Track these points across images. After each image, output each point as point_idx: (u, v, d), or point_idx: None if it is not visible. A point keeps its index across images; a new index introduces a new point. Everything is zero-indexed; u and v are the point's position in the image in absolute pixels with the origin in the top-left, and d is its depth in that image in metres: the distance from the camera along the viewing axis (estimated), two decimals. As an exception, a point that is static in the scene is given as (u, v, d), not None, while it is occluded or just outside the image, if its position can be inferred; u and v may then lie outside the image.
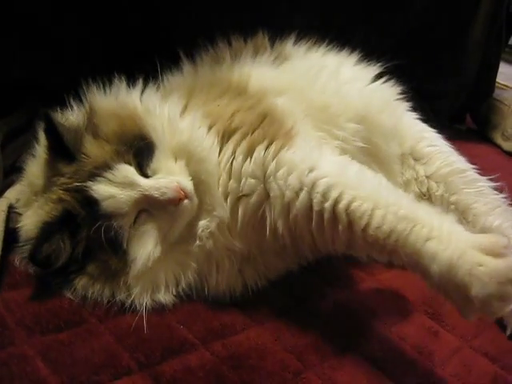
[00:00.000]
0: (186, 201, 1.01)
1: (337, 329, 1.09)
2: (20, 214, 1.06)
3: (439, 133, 1.45)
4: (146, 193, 0.98)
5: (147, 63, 1.18)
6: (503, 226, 1.26)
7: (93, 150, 1.01)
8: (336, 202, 0.97)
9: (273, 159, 1.03)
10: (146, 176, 1.01)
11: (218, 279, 1.08)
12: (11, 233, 1.07)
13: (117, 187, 0.98)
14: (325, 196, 0.98)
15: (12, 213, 1.12)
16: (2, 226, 1.09)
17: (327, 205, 0.98)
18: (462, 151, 1.43)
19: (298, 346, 1.03)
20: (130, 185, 0.98)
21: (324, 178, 1.00)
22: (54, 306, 1.00)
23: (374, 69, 1.43)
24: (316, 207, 0.99)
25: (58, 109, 1.09)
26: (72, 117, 1.09)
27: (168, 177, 1.01)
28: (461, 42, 2.05)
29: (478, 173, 1.38)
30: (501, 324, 1.17)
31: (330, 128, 1.23)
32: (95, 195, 0.97)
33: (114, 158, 1.00)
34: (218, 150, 1.07)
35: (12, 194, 1.16)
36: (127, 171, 0.99)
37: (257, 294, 1.12)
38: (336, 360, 1.01)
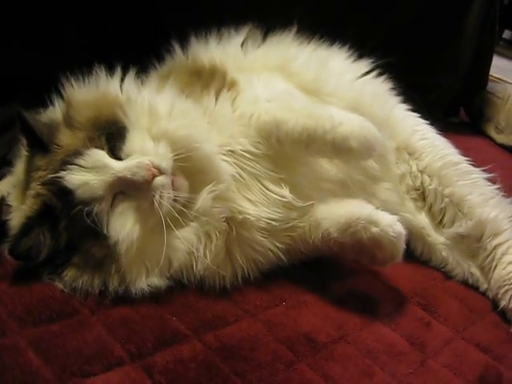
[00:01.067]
0: (159, 177, 1.00)
1: (329, 320, 1.09)
2: (11, 206, 1.07)
3: (432, 125, 1.44)
4: (120, 174, 0.98)
5: (140, 53, 1.19)
6: (499, 217, 1.27)
7: (66, 139, 1.03)
8: (268, 115, 1.13)
9: (233, 100, 1.17)
10: (119, 159, 1.01)
11: (205, 256, 1.07)
12: (3, 225, 1.06)
13: (89, 173, 0.98)
14: (265, 113, 1.13)
15: (4, 205, 1.11)
16: (-5, 219, 1.09)
17: (267, 118, 1.13)
18: (456, 144, 1.42)
19: (289, 337, 1.03)
20: (102, 168, 0.98)
21: (265, 101, 1.16)
22: (45, 297, 0.99)
23: (365, 63, 1.43)
24: (264, 123, 1.13)
25: (42, 105, 1.11)
26: (50, 112, 1.10)
27: (140, 157, 1.01)
28: (454, 34, 2.05)
29: (472, 165, 1.37)
30: (505, 318, 1.19)
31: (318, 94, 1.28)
32: (68, 185, 0.97)
33: (86, 144, 1.00)
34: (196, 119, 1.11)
35: (3, 186, 1.15)
36: (98, 155, 0.99)
37: (249, 286, 1.13)
38: (328, 351, 1.02)
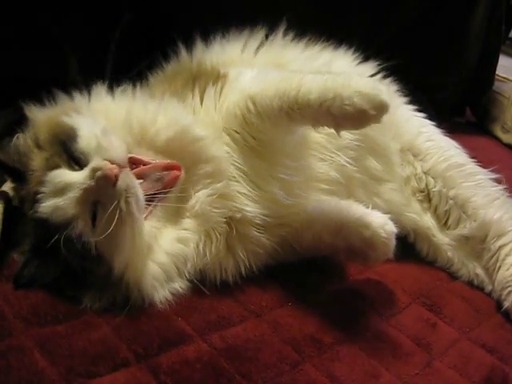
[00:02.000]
0: (120, 179, 0.95)
1: (335, 320, 1.09)
2: (17, 207, 1.07)
3: (438, 126, 1.44)
4: (83, 186, 0.94)
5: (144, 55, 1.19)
6: (503, 219, 1.27)
7: (36, 163, 1.01)
8: (251, 98, 1.08)
9: (221, 91, 1.14)
10: (81, 165, 0.98)
11: (205, 254, 1.07)
12: (9, 228, 1.07)
13: (55, 196, 0.95)
14: (242, 98, 1.10)
15: (10, 206, 1.12)
16: (0, 219, 1.09)
17: (242, 101, 1.09)
18: (462, 144, 1.42)
19: (295, 338, 1.03)
20: (65, 188, 0.95)
21: (248, 87, 1.11)
22: (51, 298, 1.00)
23: (370, 66, 1.42)
24: (241, 107, 1.10)
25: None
26: (19, 139, 1.08)
27: (96, 157, 0.97)
28: (460, 34, 2.05)
29: (478, 166, 1.37)
30: (509, 319, 1.19)
31: None
32: (42, 215, 0.96)
33: (44, 168, 0.98)
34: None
35: (9, 187, 1.15)
36: (56, 177, 0.96)
37: (254, 286, 1.13)
38: (334, 352, 1.02)
